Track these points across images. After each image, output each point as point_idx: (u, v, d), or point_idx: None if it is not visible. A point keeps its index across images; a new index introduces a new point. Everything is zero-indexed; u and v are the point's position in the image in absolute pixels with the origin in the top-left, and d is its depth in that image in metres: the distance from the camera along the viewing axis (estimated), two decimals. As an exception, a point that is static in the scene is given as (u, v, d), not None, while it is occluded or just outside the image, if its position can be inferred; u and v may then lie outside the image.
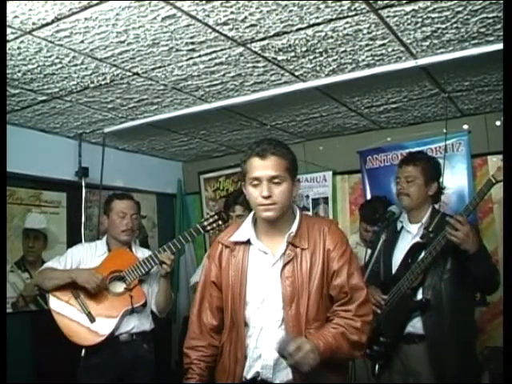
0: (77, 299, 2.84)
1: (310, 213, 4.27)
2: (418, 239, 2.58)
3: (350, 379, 2.67)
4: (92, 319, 2.81)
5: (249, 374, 1.84)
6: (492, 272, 2.43)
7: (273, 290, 1.83)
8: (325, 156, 4.22)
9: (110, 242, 3.04)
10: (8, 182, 2.90)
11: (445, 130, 3.39)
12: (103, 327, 2.79)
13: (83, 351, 2.84)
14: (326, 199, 4.24)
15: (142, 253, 3.08)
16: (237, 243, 1.92)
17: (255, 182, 1.81)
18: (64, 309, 2.83)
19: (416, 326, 2.48)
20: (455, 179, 3.60)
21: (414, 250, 2.55)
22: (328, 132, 4.05)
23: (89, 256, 2.99)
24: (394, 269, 2.62)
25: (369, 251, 2.88)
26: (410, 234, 2.65)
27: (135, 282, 2.89)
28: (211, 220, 3.05)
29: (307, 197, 4.32)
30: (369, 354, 2.60)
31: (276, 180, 1.80)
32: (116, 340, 2.84)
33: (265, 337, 1.83)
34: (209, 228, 3.05)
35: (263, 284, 1.85)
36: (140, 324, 2.92)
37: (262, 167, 1.80)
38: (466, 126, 3.66)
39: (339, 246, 1.85)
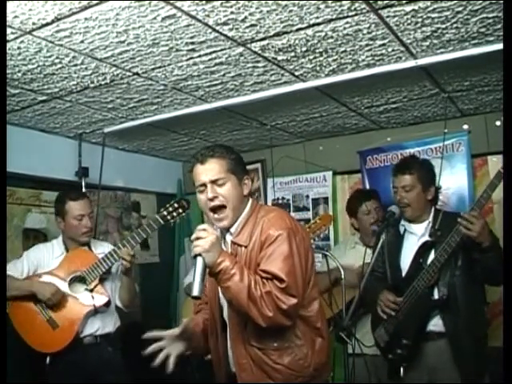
0: (36, 305, 2.73)
1: (310, 213, 4.28)
2: (426, 238, 2.56)
3: (350, 379, 2.68)
4: (54, 325, 2.70)
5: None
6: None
7: None
8: (325, 156, 4.22)
9: (67, 242, 2.91)
10: (8, 182, 2.88)
11: (445, 130, 3.39)
12: (66, 332, 2.70)
13: (48, 359, 2.72)
14: (326, 199, 4.24)
15: (102, 248, 2.97)
16: None
17: (201, 188, 1.90)
18: (24, 315, 2.72)
19: (437, 323, 2.48)
20: (455, 179, 3.61)
21: (424, 249, 2.53)
22: (328, 132, 4.05)
23: (46, 258, 2.86)
24: (404, 271, 2.59)
25: (368, 251, 2.88)
26: (415, 235, 2.63)
27: (96, 282, 2.78)
28: (170, 209, 2.86)
29: (307, 197, 4.32)
30: (392, 358, 2.58)
31: (219, 182, 1.86)
32: (80, 343, 2.75)
33: (230, 339, 1.88)
34: (169, 217, 2.87)
35: None
36: (104, 325, 2.84)
37: (204, 172, 1.88)
38: (466, 126, 3.66)
39: (271, 234, 1.78)
